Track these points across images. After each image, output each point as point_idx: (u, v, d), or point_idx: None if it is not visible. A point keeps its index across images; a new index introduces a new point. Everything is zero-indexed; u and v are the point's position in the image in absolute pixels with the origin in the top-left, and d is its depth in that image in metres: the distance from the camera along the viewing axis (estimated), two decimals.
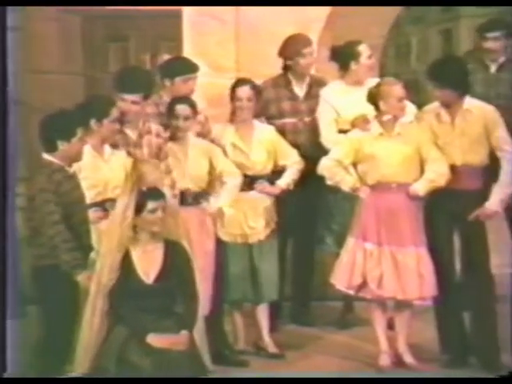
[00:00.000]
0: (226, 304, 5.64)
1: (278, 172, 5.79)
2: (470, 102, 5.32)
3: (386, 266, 5.24)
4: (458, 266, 5.39)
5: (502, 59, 6.41)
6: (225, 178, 5.47)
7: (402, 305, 5.40)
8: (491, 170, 5.36)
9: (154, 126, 5.46)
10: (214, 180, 5.52)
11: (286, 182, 5.76)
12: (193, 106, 5.45)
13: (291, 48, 6.16)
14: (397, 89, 5.31)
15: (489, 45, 6.39)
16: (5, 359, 4.70)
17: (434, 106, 5.37)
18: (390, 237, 5.25)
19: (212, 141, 5.64)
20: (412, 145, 5.30)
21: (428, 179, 5.26)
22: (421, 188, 5.26)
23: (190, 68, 5.76)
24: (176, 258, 4.65)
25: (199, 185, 5.45)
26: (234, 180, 5.51)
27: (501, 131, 5.31)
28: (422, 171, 5.30)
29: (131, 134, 5.43)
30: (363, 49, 6.00)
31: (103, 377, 4.49)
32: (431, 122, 5.34)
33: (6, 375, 4.70)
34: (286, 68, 6.23)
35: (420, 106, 5.65)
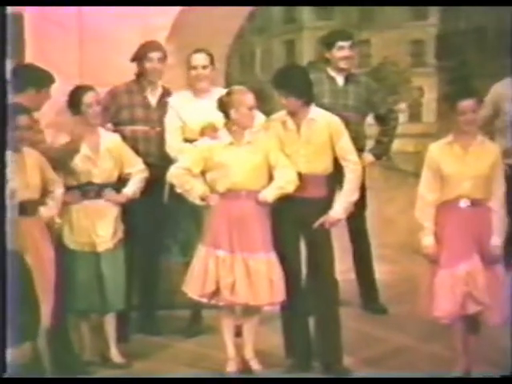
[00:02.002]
0: (72, 314, 5.54)
1: (124, 180, 5.75)
2: (314, 112, 5.41)
3: (238, 272, 5.26)
4: (304, 271, 5.48)
5: (347, 71, 6.58)
6: (50, 187, 5.31)
7: (251, 311, 5.44)
8: (336, 178, 5.48)
9: None
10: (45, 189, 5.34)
11: (131, 190, 5.73)
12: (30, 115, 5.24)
13: (140, 52, 6.15)
14: (248, 98, 5.35)
15: (331, 55, 6.54)
16: (4, 359, 4.55)
17: (281, 114, 5.44)
18: (242, 243, 5.29)
19: (49, 149, 5.45)
20: (261, 153, 5.35)
21: (277, 186, 5.32)
22: (270, 195, 5.31)
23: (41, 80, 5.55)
24: (14, 269, 4.51)
25: (34, 194, 5.24)
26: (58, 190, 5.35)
27: (345, 141, 5.42)
28: (270, 178, 5.37)
29: None
30: (198, 58, 6.05)
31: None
32: (278, 130, 5.41)
33: (5, 375, 4.56)
34: (138, 74, 6.20)
35: (266, 115, 5.73)
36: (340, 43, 6.53)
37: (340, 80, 6.57)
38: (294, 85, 5.31)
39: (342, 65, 6.52)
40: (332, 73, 6.56)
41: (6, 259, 4.55)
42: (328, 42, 6.63)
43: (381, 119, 6.74)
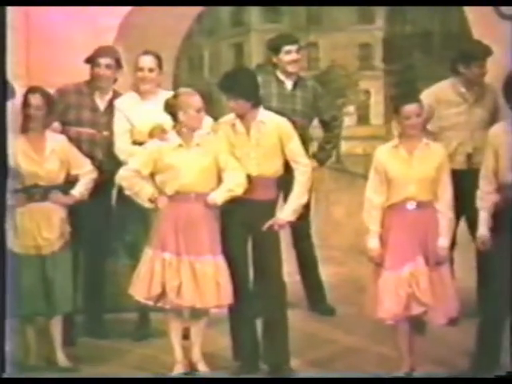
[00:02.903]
0: (17, 318, 5.48)
1: (71, 182, 5.71)
2: (264, 114, 5.42)
3: (184, 275, 5.25)
4: (252, 274, 5.50)
5: (295, 75, 6.60)
6: None
7: (198, 314, 5.44)
8: (285, 180, 5.50)
9: None
10: None
11: (79, 191, 5.70)
12: None
13: (92, 56, 6.12)
14: (195, 100, 5.35)
15: (279, 60, 6.56)
16: (4, 359, 4.57)
17: (230, 117, 5.44)
18: (189, 246, 5.28)
19: None
20: (210, 155, 5.35)
21: (226, 189, 5.32)
22: (218, 197, 5.31)
23: None
24: None
25: None
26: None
27: (294, 143, 5.44)
28: (220, 181, 5.37)
29: None
30: (145, 60, 6.04)
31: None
32: (228, 132, 5.41)
33: (5, 375, 4.58)
34: (91, 77, 6.17)
35: (214, 117, 5.73)
36: (286, 47, 6.54)
37: (289, 84, 6.58)
38: (242, 88, 5.32)
39: (290, 69, 6.54)
40: (281, 77, 6.58)
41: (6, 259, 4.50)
42: (274, 47, 6.63)
43: (325, 125, 6.77)
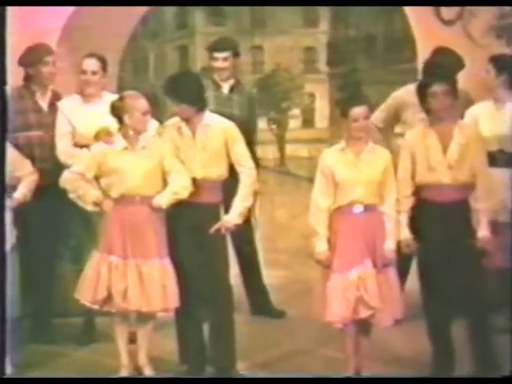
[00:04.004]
0: None
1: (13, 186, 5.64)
2: (209, 117, 5.42)
3: (131, 278, 5.23)
4: (199, 277, 5.47)
5: (232, 80, 6.60)
6: None
7: (145, 317, 5.42)
8: (231, 183, 5.50)
9: None
10: None
11: (22, 193, 5.62)
12: None
13: (33, 55, 6.04)
14: (141, 102, 5.33)
15: (217, 64, 6.55)
16: (4, 359, 4.53)
17: (176, 120, 5.43)
18: (135, 249, 5.26)
19: None
20: (155, 158, 5.33)
21: (171, 192, 5.31)
22: (164, 200, 5.30)
23: None
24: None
25: None
26: None
27: (240, 146, 5.45)
28: (165, 184, 5.35)
29: None
30: (89, 63, 6.00)
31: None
32: (173, 135, 5.40)
33: (5, 375, 4.53)
34: (27, 78, 6.09)
35: (160, 120, 5.71)
36: (214, 54, 6.54)
37: (225, 88, 6.59)
38: (185, 92, 5.31)
39: (217, 76, 6.54)
40: (218, 80, 6.58)
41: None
42: (213, 50, 6.63)
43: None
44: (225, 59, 6.53)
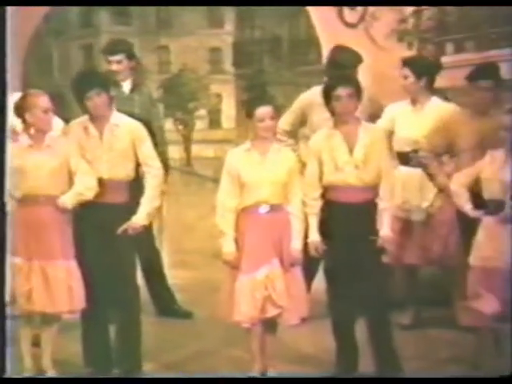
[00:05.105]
0: None
1: None
2: (117, 117, 5.40)
3: (35, 280, 5.17)
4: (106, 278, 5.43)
5: (130, 80, 6.56)
6: None
7: (49, 319, 5.35)
8: (138, 184, 5.47)
9: None
10: None
11: None
12: None
13: None
14: (42, 100, 5.26)
15: (112, 67, 6.52)
16: (4, 359, 4.47)
17: (82, 119, 5.39)
18: (40, 250, 5.20)
19: None
20: (60, 158, 5.28)
21: (76, 192, 5.26)
22: (69, 200, 5.25)
23: None
24: None
25: None
26: None
27: (147, 147, 5.43)
28: (71, 184, 5.30)
29: None
30: None
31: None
32: (79, 135, 5.35)
33: (5, 375, 4.46)
34: None
35: (66, 119, 5.64)
36: (109, 57, 6.51)
37: (126, 88, 6.56)
38: (90, 90, 5.27)
39: (122, 76, 6.51)
40: (118, 80, 6.54)
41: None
42: (107, 53, 6.59)
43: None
44: (119, 62, 6.50)
